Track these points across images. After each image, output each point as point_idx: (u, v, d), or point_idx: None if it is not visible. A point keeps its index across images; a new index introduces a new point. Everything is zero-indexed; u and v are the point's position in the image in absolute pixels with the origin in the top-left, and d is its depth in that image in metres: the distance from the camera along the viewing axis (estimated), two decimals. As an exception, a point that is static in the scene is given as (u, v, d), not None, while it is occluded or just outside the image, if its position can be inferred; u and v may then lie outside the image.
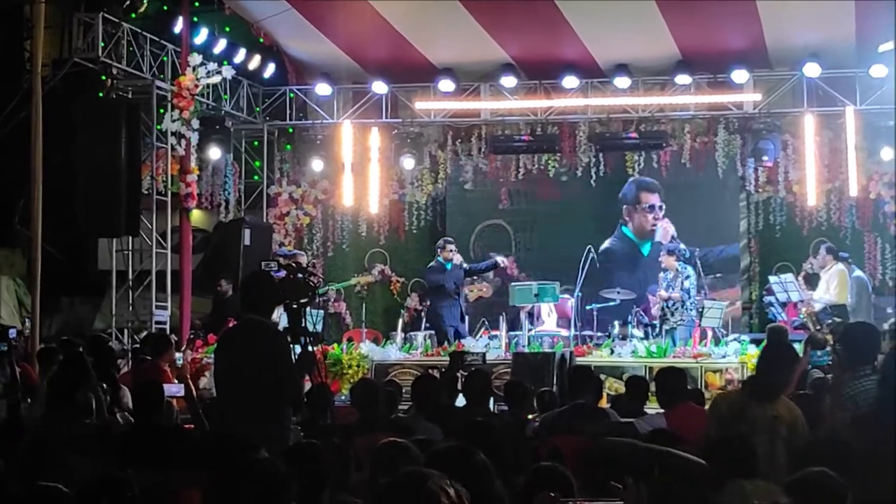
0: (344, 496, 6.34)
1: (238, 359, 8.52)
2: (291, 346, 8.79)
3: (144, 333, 17.21)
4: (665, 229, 20.84)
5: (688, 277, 18.14)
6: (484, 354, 15.57)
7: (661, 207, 21.31)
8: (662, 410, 9.83)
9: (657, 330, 18.16)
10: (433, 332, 18.29)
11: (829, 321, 16.43)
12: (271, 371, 8.24)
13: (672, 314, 18.04)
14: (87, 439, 8.23)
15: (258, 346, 8.36)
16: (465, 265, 19.17)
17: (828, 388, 9.11)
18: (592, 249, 18.56)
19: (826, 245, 18.26)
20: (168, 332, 17.46)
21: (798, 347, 13.63)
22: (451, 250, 18.87)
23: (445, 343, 17.77)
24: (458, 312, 18.71)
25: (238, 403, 8.43)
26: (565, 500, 5.22)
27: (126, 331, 18.14)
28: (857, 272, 18.37)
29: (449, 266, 18.64)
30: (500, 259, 19.44)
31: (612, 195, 21.52)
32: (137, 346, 16.39)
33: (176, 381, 11.61)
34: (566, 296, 18.66)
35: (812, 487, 5.50)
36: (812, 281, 18.20)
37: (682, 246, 18.87)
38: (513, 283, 19.03)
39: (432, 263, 18.95)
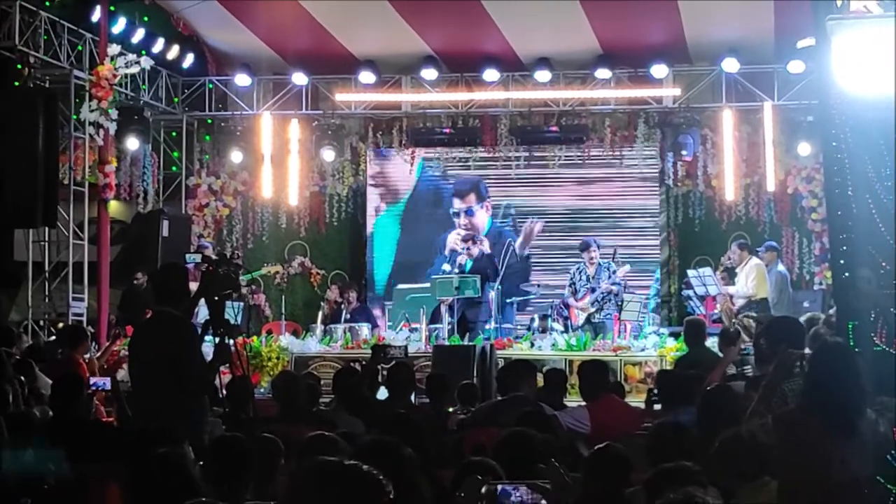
0: (269, 488, 6.31)
1: (147, 352, 8.49)
2: (213, 338, 8.73)
3: (60, 325, 17.02)
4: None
5: (615, 272, 18.28)
6: (405, 347, 15.57)
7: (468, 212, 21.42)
8: (585, 403, 9.89)
9: (583, 322, 18.22)
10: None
11: (746, 315, 16.53)
12: (176, 364, 8.18)
13: (602, 308, 18.15)
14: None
15: (166, 339, 8.32)
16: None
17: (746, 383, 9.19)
18: (513, 243, 18.66)
19: (738, 242, 18.43)
20: (85, 324, 17.28)
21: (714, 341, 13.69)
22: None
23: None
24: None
25: (148, 396, 8.39)
26: (492, 483, 5.25)
27: (43, 322, 17.93)
28: (780, 266, 18.51)
29: None
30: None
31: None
32: (53, 338, 16.21)
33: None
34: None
35: (669, 479, 5.46)
36: (732, 275, 18.33)
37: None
38: (433, 276, 19.00)
39: None
